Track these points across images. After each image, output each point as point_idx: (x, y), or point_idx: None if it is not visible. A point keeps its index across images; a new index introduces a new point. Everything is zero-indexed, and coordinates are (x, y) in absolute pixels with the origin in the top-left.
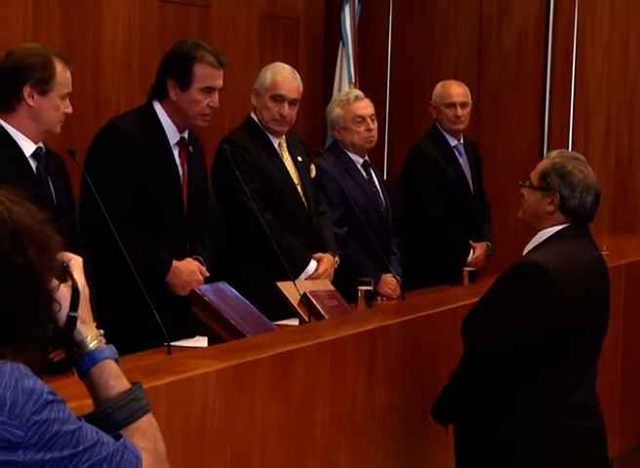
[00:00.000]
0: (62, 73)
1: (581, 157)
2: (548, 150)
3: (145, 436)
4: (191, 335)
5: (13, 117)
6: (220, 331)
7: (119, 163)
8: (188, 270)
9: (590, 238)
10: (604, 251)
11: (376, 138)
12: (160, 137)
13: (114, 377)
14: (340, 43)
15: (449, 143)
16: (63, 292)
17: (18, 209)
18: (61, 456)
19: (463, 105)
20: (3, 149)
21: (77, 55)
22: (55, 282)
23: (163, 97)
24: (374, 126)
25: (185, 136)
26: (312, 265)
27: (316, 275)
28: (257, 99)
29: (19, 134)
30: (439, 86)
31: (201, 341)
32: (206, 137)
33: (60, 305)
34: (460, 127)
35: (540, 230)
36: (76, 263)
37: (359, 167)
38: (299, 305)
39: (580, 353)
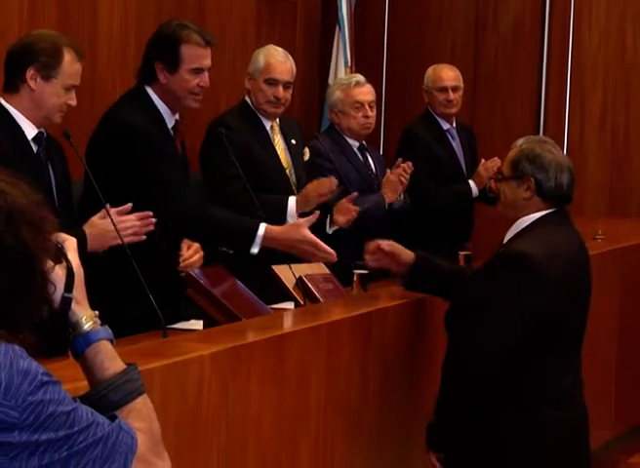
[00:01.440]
0: (70, 63)
1: (549, 139)
2: (544, 133)
3: (141, 417)
4: (186, 319)
5: (16, 98)
6: (216, 314)
7: (137, 162)
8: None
9: (572, 224)
10: (600, 235)
11: (372, 126)
12: (160, 125)
13: (109, 358)
14: (337, 27)
15: (441, 127)
16: (58, 274)
17: (12, 190)
18: (57, 437)
19: (455, 89)
20: (6, 129)
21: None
22: (49, 263)
23: (152, 81)
24: (371, 113)
25: (178, 118)
26: (291, 203)
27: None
28: (250, 83)
29: (20, 116)
30: (430, 70)
31: (196, 325)
32: (201, 120)
33: (55, 286)
34: (452, 110)
35: (520, 218)
36: (71, 244)
37: (355, 150)
38: (294, 289)
39: (566, 342)
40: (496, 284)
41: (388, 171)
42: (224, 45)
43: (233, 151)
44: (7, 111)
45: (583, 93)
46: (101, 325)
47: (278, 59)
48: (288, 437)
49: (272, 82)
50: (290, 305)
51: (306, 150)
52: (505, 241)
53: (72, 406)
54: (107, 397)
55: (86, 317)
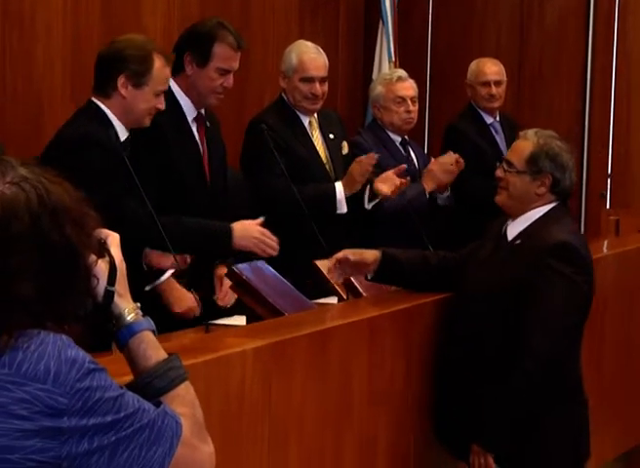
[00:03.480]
0: (160, 70)
1: (556, 134)
2: (590, 129)
3: (184, 403)
4: (229, 314)
5: (108, 103)
6: (259, 309)
7: (144, 144)
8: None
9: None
10: None
11: (415, 121)
12: (178, 114)
13: (152, 348)
14: (380, 21)
15: (485, 121)
16: (101, 267)
17: (56, 188)
18: (104, 422)
19: (498, 83)
20: (105, 131)
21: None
22: (93, 257)
23: (178, 72)
24: (413, 107)
25: (202, 112)
26: (339, 188)
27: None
28: (285, 82)
29: (114, 118)
30: (474, 64)
31: (239, 320)
32: (246, 116)
33: (98, 280)
34: (495, 105)
35: (528, 210)
36: (113, 240)
37: (398, 144)
38: (337, 283)
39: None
40: (549, 277)
41: (432, 160)
42: (268, 41)
43: (276, 149)
44: (104, 113)
45: (629, 88)
46: (143, 316)
47: (311, 56)
48: (331, 432)
49: (308, 80)
50: (333, 300)
51: (345, 144)
52: (516, 232)
53: (119, 392)
54: (152, 384)
55: (128, 309)
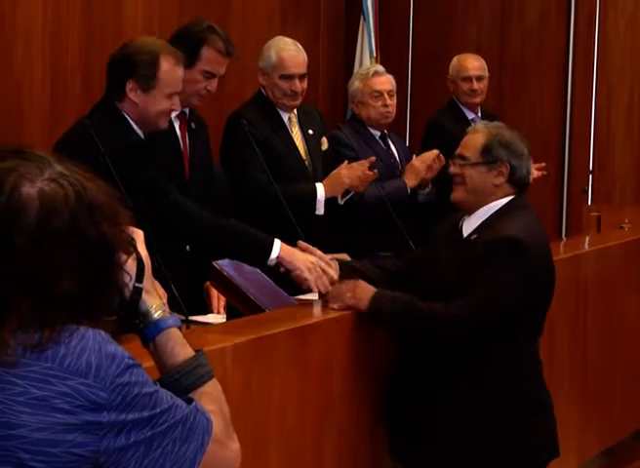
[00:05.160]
0: (168, 71)
1: (505, 125)
2: (571, 123)
3: (212, 399)
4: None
5: (122, 106)
6: (239, 305)
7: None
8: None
9: (531, 207)
10: (626, 223)
11: (393, 115)
12: None
13: (179, 345)
14: (362, 16)
15: (466, 117)
16: (130, 264)
17: (90, 185)
18: (141, 417)
19: (479, 78)
20: (122, 131)
21: (97, 34)
22: (123, 254)
23: None
24: (391, 102)
25: (186, 111)
26: (320, 190)
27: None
28: (264, 79)
29: (131, 119)
30: (455, 59)
31: (219, 316)
32: (226, 113)
33: (131, 276)
34: (477, 100)
35: (486, 204)
36: (139, 237)
37: (377, 139)
38: None
39: (540, 327)
40: (489, 267)
41: (414, 156)
42: (249, 35)
43: (254, 143)
44: (122, 114)
45: (610, 81)
46: (170, 312)
47: (290, 53)
48: (311, 428)
49: (288, 77)
50: (314, 296)
51: (324, 140)
52: (473, 226)
53: (154, 388)
54: (180, 381)
55: (155, 306)
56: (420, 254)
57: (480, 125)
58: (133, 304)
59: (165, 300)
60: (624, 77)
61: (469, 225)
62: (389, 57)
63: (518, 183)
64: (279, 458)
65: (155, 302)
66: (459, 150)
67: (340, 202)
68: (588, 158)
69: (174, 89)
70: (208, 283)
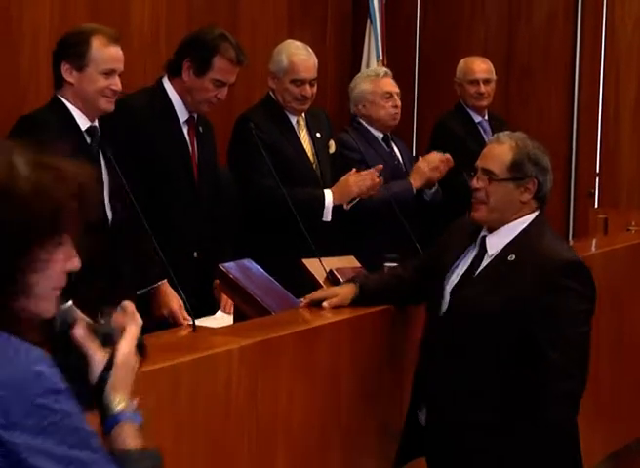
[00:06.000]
0: (99, 49)
1: (527, 135)
2: (578, 125)
3: None
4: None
5: (63, 93)
6: (245, 307)
7: (130, 139)
8: None
9: None
10: (633, 226)
11: (399, 117)
12: (169, 114)
13: (131, 437)
14: (368, 20)
15: (473, 120)
16: (99, 356)
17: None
18: (51, 451)
19: (487, 82)
20: (62, 122)
21: None
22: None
23: (175, 75)
24: (399, 103)
25: (195, 115)
26: (328, 196)
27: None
28: (275, 82)
29: (74, 109)
30: (462, 62)
31: (226, 318)
32: (234, 117)
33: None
34: (484, 103)
35: (511, 221)
36: (130, 331)
37: (380, 141)
38: (324, 282)
39: None
40: (565, 291)
41: (420, 158)
42: (257, 40)
43: (262, 147)
44: (64, 104)
45: (617, 84)
46: (133, 409)
47: (302, 58)
48: (318, 431)
49: (299, 82)
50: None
51: (332, 143)
52: (500, 246)
53: (82, 426)
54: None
55: (119, 399)
56: (431, 264)
57: (504, 136)
58: (97, 393)
59: (182, 307)
60: (632, 80)
61: (495, 242)
62: (396, 59)
63: (543, 200)
64: (285, 461)
65: (119, 396)
66: (482, 163)
67: (347, 207)
68: (595, 161)
69: (108, 66)
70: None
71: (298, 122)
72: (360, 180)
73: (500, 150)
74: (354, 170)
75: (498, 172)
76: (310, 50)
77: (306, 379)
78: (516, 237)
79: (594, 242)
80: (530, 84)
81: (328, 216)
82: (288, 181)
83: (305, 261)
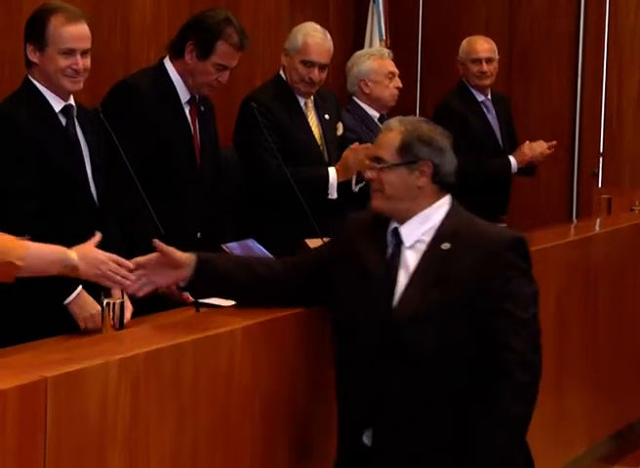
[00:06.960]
0: (57, 28)
1: (424, 118)
2: (581, 106)
3: None
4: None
5: (32, 73)
6: None
7: (133, 119)
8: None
9: None
10: (637, 206)
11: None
12: (171, 95)
13: None
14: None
15: (476, 99)
16: None
17: None
18: None
19: (489, 61)
20: (33, 105)
21: (106, 18)
22: None
23: (178, 57)
24: (400, 85)
25: (196, 96)
26: (332, 173)
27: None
28: (286, 60)
29: (46, 90)
30: (465, 42)
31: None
32: (235, 97)
33: None
34: (487, 82)
35: (420, 210)
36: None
37: (376, 121)
38: None
39: None
40: (518, 278)
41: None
42: (258, 21)
43: (267, 128)
44: (35, 87)
45: (621, 63)
46: None
47: (316, 41)
48: (322, 410)
49: (309, 63)
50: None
51: (339, 125)
52: (415, 237)
53: None
54: None
55: None
56: (330, 261)
57: (394, 121)
58: None
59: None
60: (635, 59)
61: (410, 231)
62: (399, 39)
63: (445, 184)
64: (289, 439)
65: None
66: (373, 152)
67: (355, 189)
68: (599, 141)
69: (66, 45)
70: None
71: (306, 104)
72: (355, 155)
73: (389, 136)
74: (356, 143)
75: (388, 157)
76: (329, 36)
77: (309, 358)
78: (442, 225)
79: (598, 222)
80: (532, 63)
81: (334, 194)
82: (295, 162)
83: (308, 241)
